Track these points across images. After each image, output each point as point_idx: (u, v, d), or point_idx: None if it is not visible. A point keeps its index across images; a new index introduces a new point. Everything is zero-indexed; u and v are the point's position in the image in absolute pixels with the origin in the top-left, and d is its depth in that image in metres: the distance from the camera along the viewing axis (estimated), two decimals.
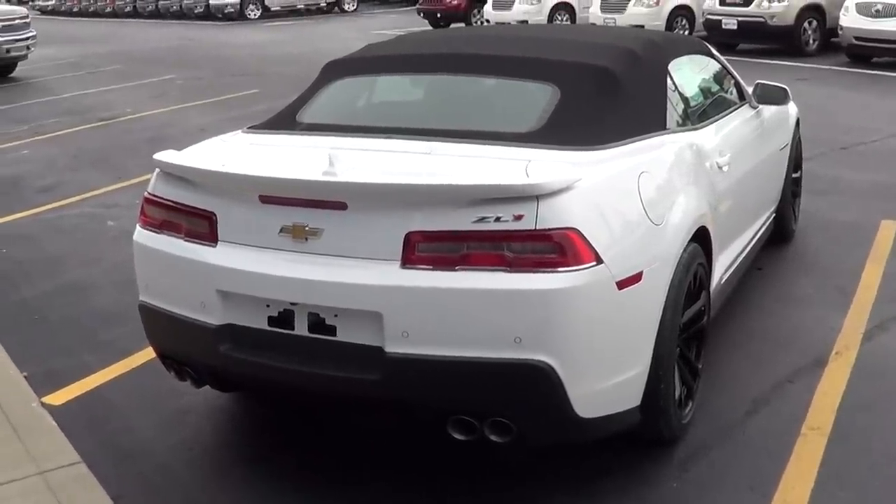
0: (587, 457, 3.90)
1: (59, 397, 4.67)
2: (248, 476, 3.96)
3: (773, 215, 6.12)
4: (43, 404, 4.53)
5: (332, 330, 3.44)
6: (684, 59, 5.08)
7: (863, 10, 15.46)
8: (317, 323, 3.46)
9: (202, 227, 3.71)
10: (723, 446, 4.02)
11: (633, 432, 3.75)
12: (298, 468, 4.00)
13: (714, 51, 5.71)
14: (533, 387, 3.28)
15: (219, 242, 3.66)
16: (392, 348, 3.32)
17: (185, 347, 3.87)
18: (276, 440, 4.28)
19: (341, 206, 3.40)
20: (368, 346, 3.38)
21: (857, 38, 15.60)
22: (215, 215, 3.67)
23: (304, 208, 3.46)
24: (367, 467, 3.98)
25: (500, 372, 3.26)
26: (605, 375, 3.46)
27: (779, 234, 6.37)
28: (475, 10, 24.85)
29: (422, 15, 26.34)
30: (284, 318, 3.52)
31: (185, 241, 3.75)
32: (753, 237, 5.52)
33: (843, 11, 15.90)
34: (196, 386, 4.04)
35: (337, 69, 4.75)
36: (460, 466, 3.92)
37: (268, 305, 3.54)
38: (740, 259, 5.17)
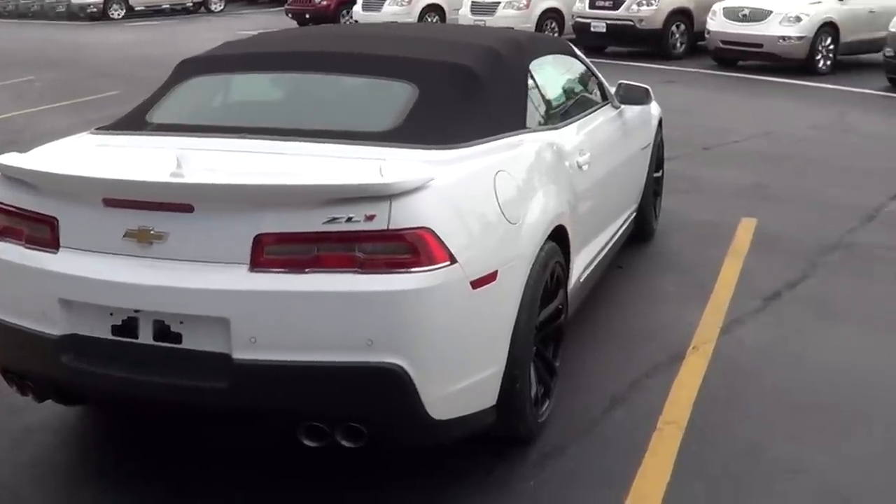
0: (442, 459, 3.85)
1: None
2: (95, 493, 3.79)
3: (634, 214, 6.21)
4: None
5: (177, 337, 3.32)
6: (547, 58, 5.11)
7: (730, 14, 15.93)
8: (162, 330, 3.33)
9: (43, 232, 3.53)
10: (580, 444, 4.03)
11: (489, 432, 3.72)
12: (146, 483, 3.84)
13: (578, 51, 5.76)
14: (384, 390, 3.22)
15: (60, 249, 3.49)
16: (240, 355, 3.21)
17: (26, 360, 3.68)
18: (124, 454, 4.11)
19: (188, 209, 3.28)
20: (215, 353, 3.26)
21: (723, 42, 16.06)
22: (57, 220, 3.50)
23: (149, 211, 3.33)
24: (212, 477, 3.87)
25: (351, 376, 3.18)
26: (460, 376, 3.42)
27: (640, 233, 6.47)
28: (344, 11, 24.74)
29: (290, 16, 26.07)
30: (128, 326, 3.38)
31: (26, 247, 3.57)
32: (614, 236, 5.57)
33: (710, 16, 16.38)
34: (38, 400, 3.85)
35: (191, 67, 4.59)
36: (308, 470, 3.84)
37: (111, 314, 3.39)
38: (600, 257, 5.22)
